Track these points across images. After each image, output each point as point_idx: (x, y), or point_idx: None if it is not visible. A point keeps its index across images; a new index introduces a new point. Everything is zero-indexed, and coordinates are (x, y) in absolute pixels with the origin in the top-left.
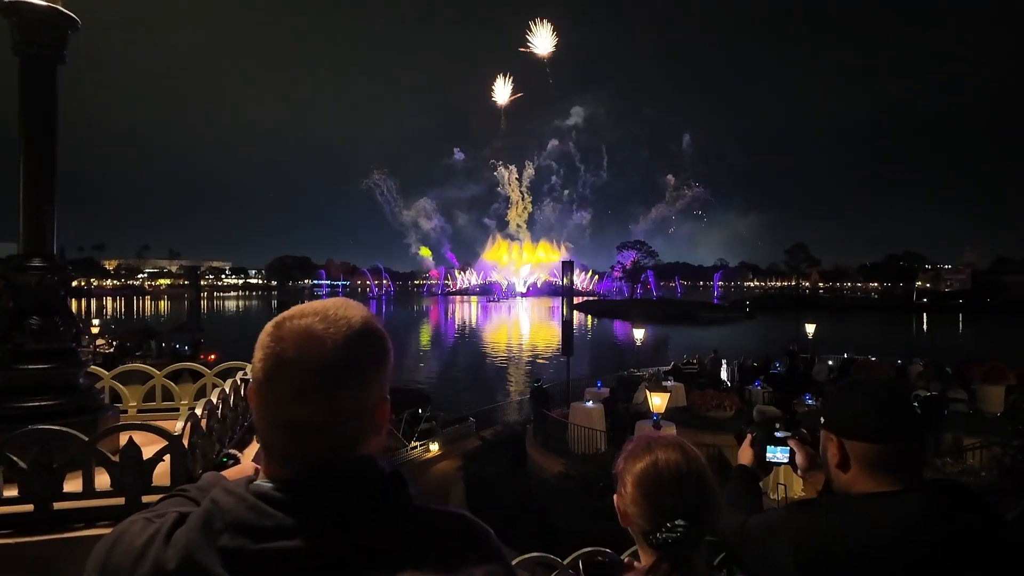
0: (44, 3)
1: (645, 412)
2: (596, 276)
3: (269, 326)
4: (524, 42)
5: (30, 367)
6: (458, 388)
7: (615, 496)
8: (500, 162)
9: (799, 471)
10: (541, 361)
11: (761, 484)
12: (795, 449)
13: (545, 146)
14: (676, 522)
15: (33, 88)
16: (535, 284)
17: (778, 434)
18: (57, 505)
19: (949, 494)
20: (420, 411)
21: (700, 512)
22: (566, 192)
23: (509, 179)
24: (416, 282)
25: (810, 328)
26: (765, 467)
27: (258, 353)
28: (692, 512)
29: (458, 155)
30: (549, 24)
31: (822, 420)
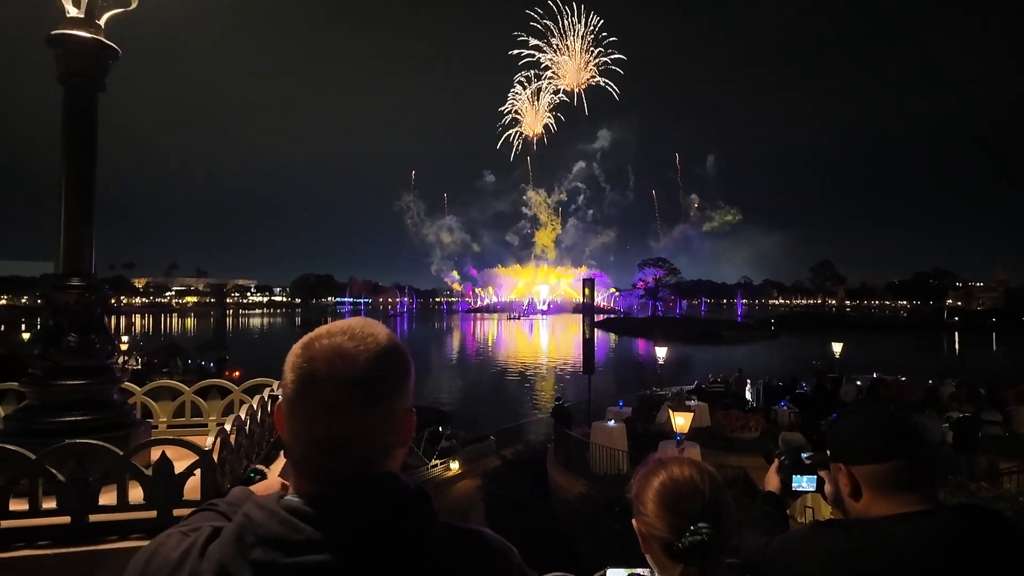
0: (88, 35)
1: (668, 432)
2: (617, 293)
3: (297, 347)
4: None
5: (67, 383)
6: (478, 406)
7: (633, 521)
8: (529, 185)
9: (829, 501)
10: (563, 379)
11: (788, 509)
12: (826, 479)
13: (572, 169)
14: (699, 525)
15: (75, 114)
16: (555, 301)
17: (804, 455)
18: (92, 518)
19: (974, 514)
20: (440, 429)
21: (720, 517)
22: (590, 212)
23: (539, 202)
24: (437, 299)
25: (837, 347)
26: (792, 494)
27: (289, 374)
28: (712, 517)
29: (489, 177)
30: (581, 59)
31: (828, 453)
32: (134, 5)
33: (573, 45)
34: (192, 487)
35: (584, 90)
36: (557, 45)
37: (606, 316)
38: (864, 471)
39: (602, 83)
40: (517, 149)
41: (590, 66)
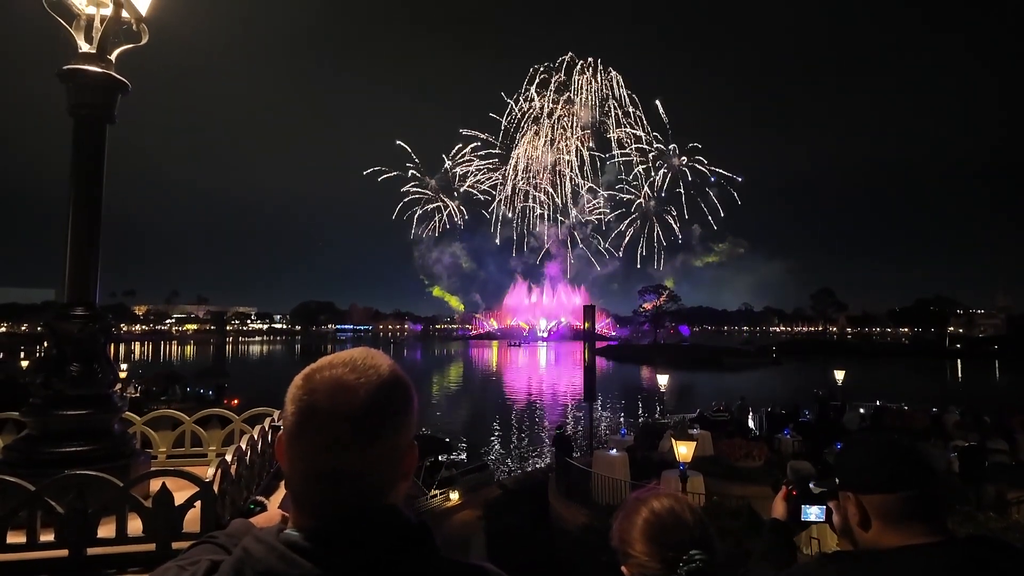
0: (98, 69)
1: (671, 461)
2: (616, 322)
3: (298, 378)
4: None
5: (68, 413)
6: (478, 434)
7: (623, 568)
8: (538, 216)
9: (837, 532)
10: (564, 407)
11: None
12: (834, 510)
13: (579, 202)
14: (692, 553)
15: (84, 146)
16: (556, 329)
17: (812, 484)
18: (91, 550)
19: (984, 545)
20: (440, 458)
21: (709, 542)
22: (595, 242)
23: (549, 233)
24: (438, 326)
25: (839, 374)
26: (800, 525)
27: (290, 406)
28: (701, 543)
29: (501, 209)
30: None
31: (837, 481)
32: (145, 40)
33: (584, 99)
34: (192, 519)
35: (593, 142)
36: (569, 97)
37: (606, 343)
38: (873, 501)
39: (613, 136)
40: (524, 191)
41: (600, 116)
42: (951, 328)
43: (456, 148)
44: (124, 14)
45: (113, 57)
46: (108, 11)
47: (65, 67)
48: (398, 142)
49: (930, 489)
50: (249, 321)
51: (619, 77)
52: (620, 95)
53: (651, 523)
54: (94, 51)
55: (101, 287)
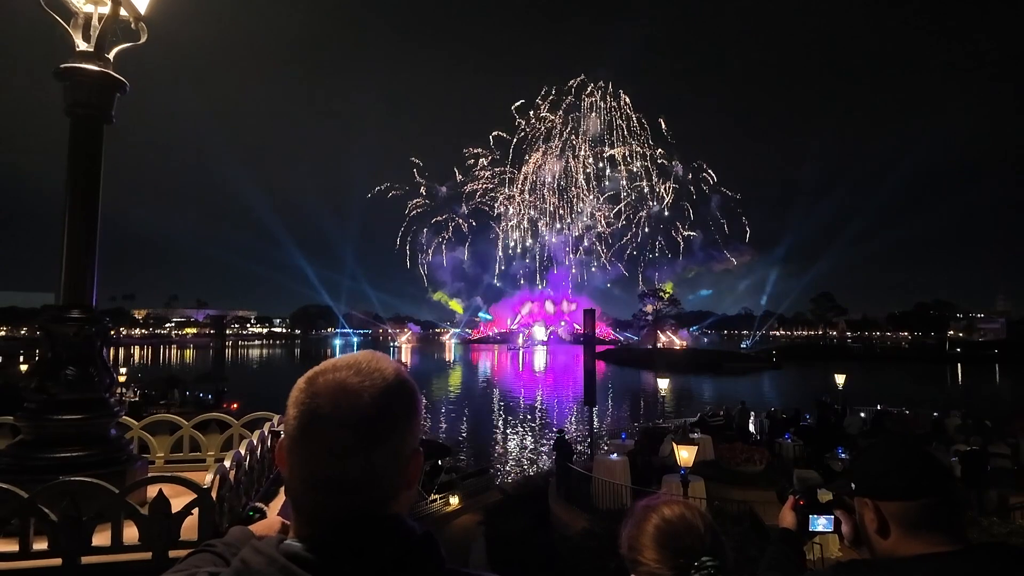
0: (96, 68)
1: (672, 466)
2: (616, 327)
3: (301, 381)
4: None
5: (63, 417)
6: (478, 438)
7: None
8: (542, 220)
9: (846, 542)
10: (565, 411)
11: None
12: (842, 519)
13: (581, 210)
14: (703, 559)
15: (81, 146)
16: (555, 332)
17: (820, 490)
18: (85, 559)
19: (1002, 555)
20: (440, 463)
21: (720, 549)
22: (597, 247)
23: (552, 241)
24: (437, 330)
25: (840, 378)
26: (808, 535)
27: (292, 410)
28: (713, 550)
29: (506, 218)
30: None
31: (853, 487)
32: (144, 39)
33: (593, 118)
34: (190, 526)
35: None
36: (579, 116)
37: (606, 348)
38: (892, 508)
39: (618, 152)
40: (530, 203)
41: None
42: (951, 332)
43: (465, 161)
44: (123, 12)
45: (111, 56)
46: (106, 9)
47: (62, 65)
48: (412, 158)
49: (950, 496)
50: (249, 325)
51: (627, 98)
52: (628, 115)
53: (662, 530)
54: (91, 49)
55: (101, 291)
